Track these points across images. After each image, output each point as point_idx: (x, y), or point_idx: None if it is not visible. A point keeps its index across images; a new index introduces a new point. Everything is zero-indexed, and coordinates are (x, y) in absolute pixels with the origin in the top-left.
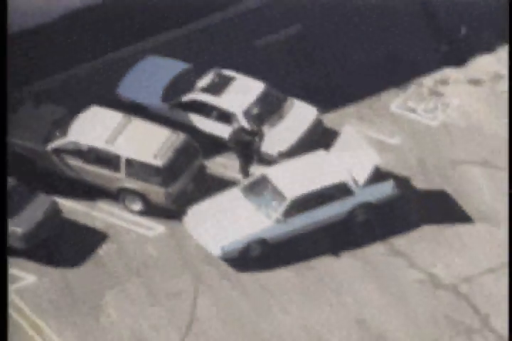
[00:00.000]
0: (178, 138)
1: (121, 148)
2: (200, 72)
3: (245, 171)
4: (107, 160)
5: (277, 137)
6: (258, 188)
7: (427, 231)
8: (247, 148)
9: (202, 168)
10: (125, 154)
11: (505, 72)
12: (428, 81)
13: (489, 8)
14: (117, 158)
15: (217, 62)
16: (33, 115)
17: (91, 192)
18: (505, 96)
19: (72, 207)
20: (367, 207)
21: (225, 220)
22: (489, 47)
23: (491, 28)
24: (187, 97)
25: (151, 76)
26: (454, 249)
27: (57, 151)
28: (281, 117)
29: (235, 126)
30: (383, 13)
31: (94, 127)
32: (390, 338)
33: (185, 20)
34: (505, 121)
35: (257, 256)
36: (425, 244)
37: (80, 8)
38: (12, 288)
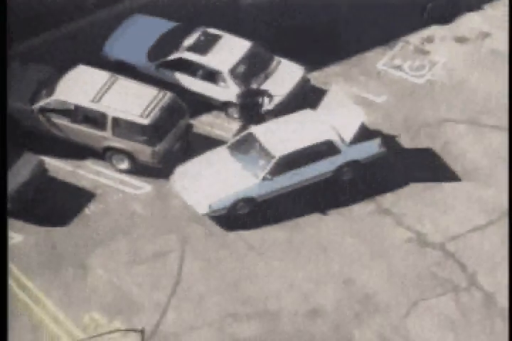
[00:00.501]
0: (164, 96)
1: (108, 106)
2: (186, 31)
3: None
4: (93, 119)
5: None
6: (245, 147)
7: (414, 189)
8: (252, 109)
9: (188, 127)
10: (111, 113)
11: (491, 29)
12: (414, 39)
13: None
14: (104, 116)
15: (203, 20)
16: (20, 74)
17: (77, 151)
18: (491, 53)
19: (58, 167)
20: (354, 165)
21: (212, 179)
22: (475, 5)
23: None
24: (173, 56)
25: (137, 35)
26: (441, 207)
27: (44, 110)
28: (267, 76)
29: (243, 88)
30: None
31: (81, 86)
32: (376, 296)
33: None
34: (491, 78)
35: (244, 215)
36: (412, 203)
37: None
38: None
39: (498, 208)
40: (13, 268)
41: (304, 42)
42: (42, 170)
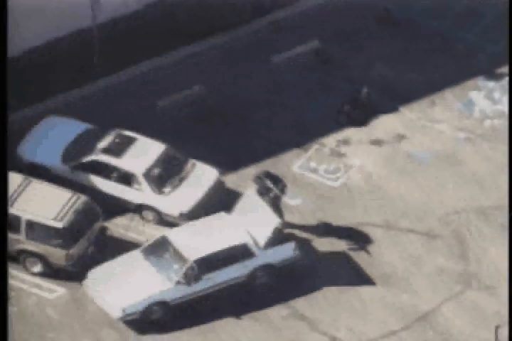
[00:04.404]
0: (78, 199)
1: (21, 209)
2: (100, 133)
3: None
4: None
5: (179, 198)
6: (159, 250)
7: (329, 294)
8: (267, 193)
9: (103, 230)
10: (25, 216)
11: (407, 132)
12: (330, 141)
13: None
14: (17, 219)
15: (119, 122)
16: None
17: None
18: (407, 156)
19: None
20: (268, 268)
21: (126, 282)
22: (391, 108)
23: (394, 89)
24: (87, 158)
25: (51, 136)
26: (357, 311)
27: None
28: (182, 178)
29: (260, 172)
30: (286, 71)
31: None
32: None
33: (87, 79)
34: (407, 181)
35: (158, 318)
36: (328, 307)
37: None
38: None
39: (414, 312)
40: None
41: (219, 142)
42: None
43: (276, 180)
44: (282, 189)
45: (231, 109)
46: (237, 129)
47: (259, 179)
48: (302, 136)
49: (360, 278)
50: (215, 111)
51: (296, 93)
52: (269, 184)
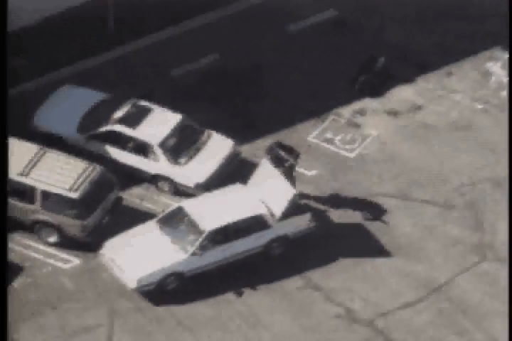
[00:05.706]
0: (94, 170)
1: (37, 179)
2: (116, 103)
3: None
4: (22, 192)
5: (194, 169)
6: (175, 221)
7: (344, 264)
8: (281, 164)
9: (118, 200)
10: (40, 186)
11: (423, 102)
12: (346, 111)
13: (410, 39)
14: (32, 190)
15: (134, 91)
16: None
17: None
18: (423, 127)
19: None
20: (284, 240)
21: (142, 253)
22: (407, 78)
23: (411, 59)
24: (103, 128)
25: (67, 106)
26: (372, 282)
27: None
28: (198, 149)
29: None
30: (302, 43)
31: (10, 159)
32: None
33: (103, 48)
34: (422, 152)
35: (173, 289)
36: (343, 278)
37: None
38: None
39: (429, 284)
40: None
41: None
42: None
43: (290, 149)
44: (296, 158)
45: (247, 79)
46: (254, 100)
47: (271, 150)
48: (316, 102)
49: (375, 248)
50: (231, 82)
51: (310, 57)
52: (282, 154)
